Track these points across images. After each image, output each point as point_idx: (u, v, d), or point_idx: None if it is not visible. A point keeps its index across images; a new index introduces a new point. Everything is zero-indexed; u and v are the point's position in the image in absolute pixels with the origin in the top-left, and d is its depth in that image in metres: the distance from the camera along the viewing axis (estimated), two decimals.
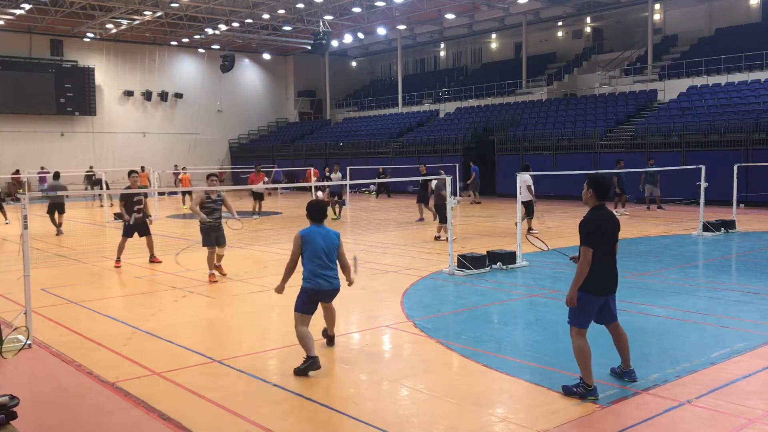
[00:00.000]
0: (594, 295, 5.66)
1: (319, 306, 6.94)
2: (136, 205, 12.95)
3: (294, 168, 40.66)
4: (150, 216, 13.69)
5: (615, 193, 21.92)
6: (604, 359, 6.69)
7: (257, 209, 23.67)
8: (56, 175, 20.75)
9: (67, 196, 21.77)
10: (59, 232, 19.09)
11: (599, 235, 5.61)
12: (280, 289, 6.91)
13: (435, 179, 16.71)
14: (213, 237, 11.39)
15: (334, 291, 6.85)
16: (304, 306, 6.75)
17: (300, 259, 6.81)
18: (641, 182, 23.43)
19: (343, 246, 6.92)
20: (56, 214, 19.31)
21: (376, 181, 22.52)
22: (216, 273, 11.51)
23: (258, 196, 23.71)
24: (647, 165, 23.21)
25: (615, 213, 21.96)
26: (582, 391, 5.62)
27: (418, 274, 11.58)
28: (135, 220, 12.99)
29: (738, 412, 5.29)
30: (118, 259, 13.11)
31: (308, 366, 6.41)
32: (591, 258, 5.55)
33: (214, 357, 6.99)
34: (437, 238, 16.03)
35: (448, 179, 12.20)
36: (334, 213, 22.46)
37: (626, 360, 6.06)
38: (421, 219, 21.01)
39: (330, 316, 7.23)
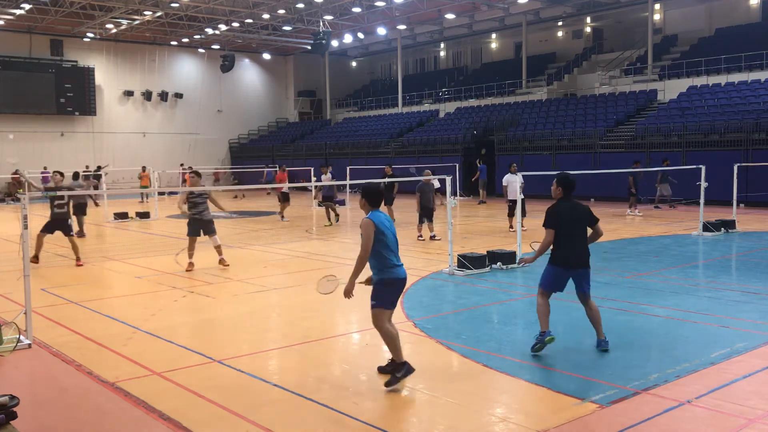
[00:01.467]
0: (559, 268, 7.03)
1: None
2: (57, 200, 13.28)
3: (294, 168, 40.63)
4: (71, 219, 14.01)
5: (631, 193, 21.81)
6: (603, 359, 6.70)
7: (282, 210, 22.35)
8: (76, 176, 20.43)
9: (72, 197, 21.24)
10: (81, 233, 18.47)
11: (557, 220, 6.99)
12: (350, 290, 6.08)
13: (398, 180, 16.87)
14: (197, 228, 12.58)
15: None
16: (393, 301, 6.19)
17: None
18: (657, 181, 23.48)
19: None
20: (79, 216, 18.65)
21: (377, 181, 21.98)
22: (194, 263, 12.49)
23: (286, 197, 22.28)
24: (662, 165, 23.08)
25: (630, 213, 21.68)
26: (538, 338, 6.89)
27: (418, 274, 11.58)
28: (55, 216, 13.33)
29: (738, 412, 5.29)
30: (35, 257, 13.24)
31: (405, 373, 5.93)
32: (551, 237, 6.98)
33: (214, 357, 6.98)
34: (432, 238, 16.08)
35: (448, 179, 12.19)
36: (329, 219, 20.94)
37: (599, 331, 7.10)
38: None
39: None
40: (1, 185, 39.33)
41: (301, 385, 6.12)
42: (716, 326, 7.90)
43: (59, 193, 13.11)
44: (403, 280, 6.26)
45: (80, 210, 18.71)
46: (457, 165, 31.08)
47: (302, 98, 53.60)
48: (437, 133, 37.89)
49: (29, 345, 7.38)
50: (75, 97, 42.56)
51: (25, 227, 7.39)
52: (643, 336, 7.57)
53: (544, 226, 7.04)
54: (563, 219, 6.99)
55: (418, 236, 16.32)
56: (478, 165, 30.07)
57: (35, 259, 13.25)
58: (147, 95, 46.30)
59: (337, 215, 21.40)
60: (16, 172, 36.90)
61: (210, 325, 8.58)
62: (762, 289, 9.90)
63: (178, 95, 47.64)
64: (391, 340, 6.05)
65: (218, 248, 12.76)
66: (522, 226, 16.79)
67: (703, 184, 16.14)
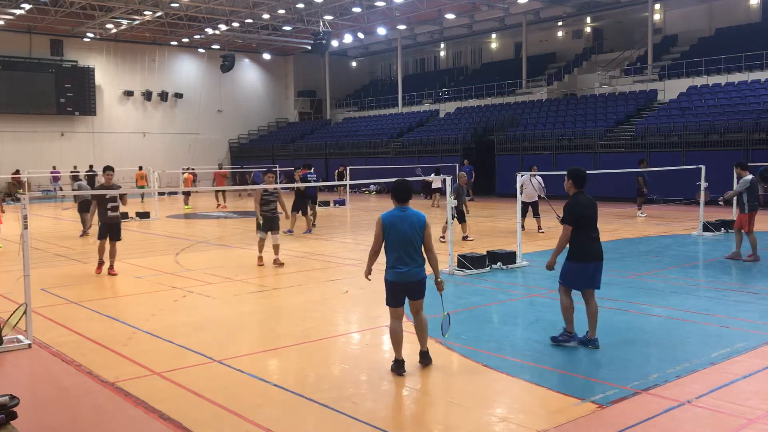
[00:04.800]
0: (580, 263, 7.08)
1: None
2: (110, 202, 12.02)
3: (292, 168, 40.65)
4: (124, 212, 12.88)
5: (640, 193, 21.32)
6: (603, 359, 6.70)
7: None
8: (76, 177, 20.38)
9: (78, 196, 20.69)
10: (84, 233, 18.21)
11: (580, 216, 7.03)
12: (366, 274, 6.58)
13: (308, 185, 16.83)
14: (266, 225, 12.65)
15: None
16: (393, 300, 6.41)
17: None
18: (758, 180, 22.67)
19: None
20: (83, 214, 18.46)
21: (379, 181, 21.44)
22: (263, 257, 12.90)
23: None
24: None
25: (640, 215, 20.96)
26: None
27: None
28: (108, 220, 12.07)
29: (738, 412, 5.29)
30: (100, 264, 12.30)
31: (392, 367, 6.34)
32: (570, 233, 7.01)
33: (214, 357, 6.98)
34: (465, 239, 15.95)
35: (448, 179, 12.19)
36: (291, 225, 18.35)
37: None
38: (290, 231, 17.76)
39: None
40: (1, 185, 39.34)
41: (301, 385, 6.12)
42: (716, 326, 7.90)
43: (113, 192, 11.86)
44: (392, 283, 6.32)
45: (84, 208, 18.69)
46: (457, 165, 31.06)
47: (302, 98, 53.61)
48: (437, 133, 37.88)
49: (29, 345, 7.38)
50: (75, 97, 42.58)
51: (25, 227, 7.39)
52: (643, 336, 7.56)
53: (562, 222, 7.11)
54: (585, 215, 7.16)
55: (464, 236, 16.26)
56: (464, 164, 29.81)
57: (102, 267, 12.33)
58: (147, 95, 46.31)
59: (313, 222, 19.29)
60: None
61: (210, 325, 8.58)
62: (762, 289, 9.90)
63: (178, 95, 47.65)
64: (392, 336, 6.43)
65: (277, 247, 12.91)
66: (522, 227, 16.86)
67: (703, 184, 16.14)
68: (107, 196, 11.91)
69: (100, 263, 12.32)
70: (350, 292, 10.31)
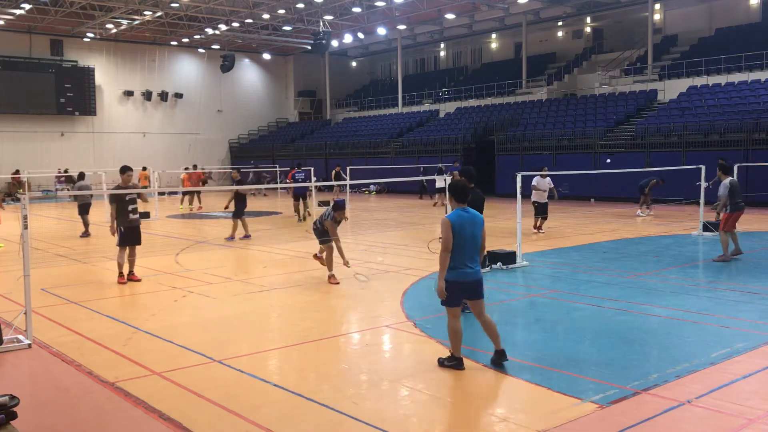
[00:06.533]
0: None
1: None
2: (130, 204, 11.26)
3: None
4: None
5: (644, 192, 21.41)
6: (603, 359, 6.70)
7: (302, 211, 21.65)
8: (81, 176, 20.30)
9: (91, 196, 20.29)
10: (86, 233, 18.18)
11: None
12: (440, 290, 6.46)
13: (248, 188, 17.24)
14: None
15: None
16: (458, 300, 6.59)
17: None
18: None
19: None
20: (84, 216, 18.43)
21: (379, 181, 21.52)
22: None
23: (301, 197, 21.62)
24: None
25: (642, 214, 21.16)
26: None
27: (418, 275, 11.57)
28: (129, 223, 11.25)
29: (738, 412, 5.29)
30: (122, 274, 11.40)
31: (454, 365, 6.40)
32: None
33: (214, 357, 6.98)
34: None
35: (448, 179, 12.19)
36: (297, 214, 21.63)
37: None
38: (231, 237, 17.05)
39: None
40: (1, 185, 39.33)
41: (301, 385, 6.12)
42: (716, 326, 7.90)
43: (132, 191, 11.18)
44: (457, 283, 6.39)
45: (84, 210, 18.70)
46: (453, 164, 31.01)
47: (302, 98, 53.62)
48: (437, 133, 37.89)
49: (29, 345, 7.38)
50: (75, 97, 42.58)
51: (25, 227, 7.39)
52: (643, 336, 7.56)
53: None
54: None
55: None
56: (455, 166, 29.41)
57: (122, 277, 11.36)
58: (147, 95, 46.31)
59: (306, 213, 21.65)
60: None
61: (210, 325, 8.57)
62: (762, 289, 9.90)
63: (178, 95, 47.66)
64: (453, 335, 6.50)
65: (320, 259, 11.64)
66: (536, 227, 17.06)
67: (703, 184, 16.14)
68: (127, 198, 11.13)
69: (122, 274, 11.38)
70: (351, 293, 10.31)
